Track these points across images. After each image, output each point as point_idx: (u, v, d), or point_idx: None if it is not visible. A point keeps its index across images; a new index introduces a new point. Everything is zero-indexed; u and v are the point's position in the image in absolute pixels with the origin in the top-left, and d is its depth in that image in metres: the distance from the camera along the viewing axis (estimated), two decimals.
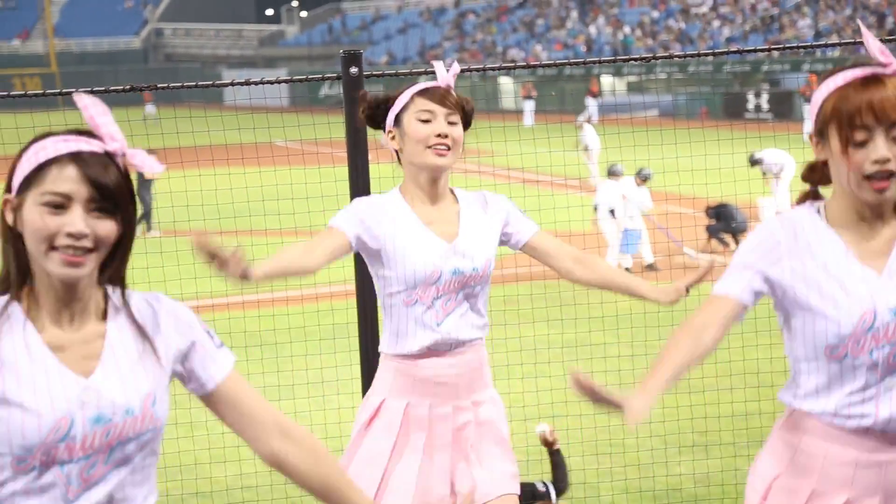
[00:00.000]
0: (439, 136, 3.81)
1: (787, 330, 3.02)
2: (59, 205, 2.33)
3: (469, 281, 3.88)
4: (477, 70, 5.74)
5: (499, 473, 3.95)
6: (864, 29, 2.91)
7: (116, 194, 2.37)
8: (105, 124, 2.41)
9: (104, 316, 2.48)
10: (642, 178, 15.68)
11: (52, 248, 2.34)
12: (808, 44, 5.92)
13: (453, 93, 3.91)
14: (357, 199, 4.01)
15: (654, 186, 15.99)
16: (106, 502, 2.43)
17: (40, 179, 2.35)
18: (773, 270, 2.92)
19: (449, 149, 3.83)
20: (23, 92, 5.34)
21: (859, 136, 2.74)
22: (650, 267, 15.29)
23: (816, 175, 2.96)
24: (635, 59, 5.78)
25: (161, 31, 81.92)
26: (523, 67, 5.67)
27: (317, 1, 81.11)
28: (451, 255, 3.86)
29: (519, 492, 4.04)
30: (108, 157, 2.39)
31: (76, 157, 2.35)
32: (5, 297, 2.44)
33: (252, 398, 2.65)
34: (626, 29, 56.00)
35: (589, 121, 25.76)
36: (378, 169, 5.36)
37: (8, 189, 2.41)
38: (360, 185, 4.96)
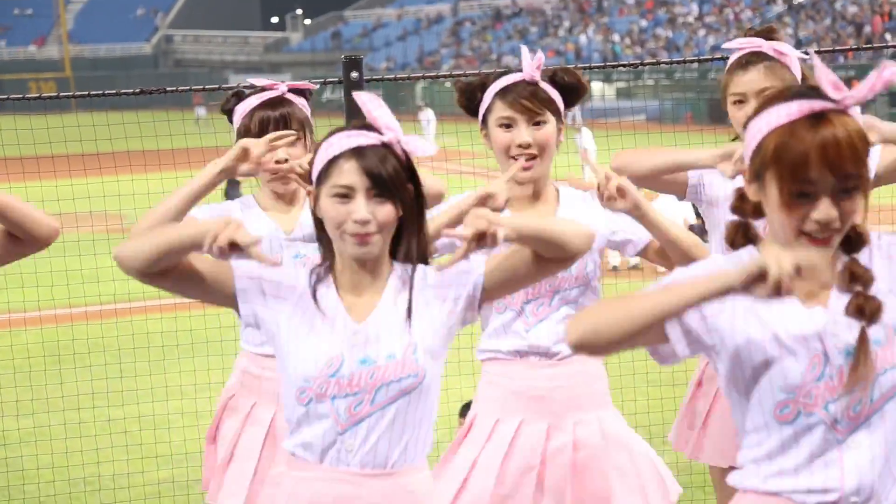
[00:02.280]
0: (521, 146, 3.33)
1: (729, 394, 2.46)
2: (345, 195, 2.60)
3: (562, 284, 3.34)
4: (473, 75, 5.72)
5: None
6: (817, 61, 2.32)
7: (391, 182, 2.60)
8: (381, 116, 2.64)
9: (387, 282, 2.72)
10: None
11: (344, 231, 2.61)
12: None
13: (540, 83, 3.35)
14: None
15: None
16: (368, 440, 2.66)
17: (329, 174, 2.63)
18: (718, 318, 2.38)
19: (536, 156, 3.34)
20: (38, 95, 5.32)
21: (804, 188, 2.23)
22: (635, 267, 15.29)
23: (749, 206, 2.38)
24: (624, 66, 5.78)
25: (171, 37, 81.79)
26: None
27: (320, 9, 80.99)
28: None
29: None
30: (386, 147, 2.63)
31: (356, 152, 2.61)
32: (325, 263, 2.75)
33: (503, 260, 2.76)
34: (616, 37, 55.97)
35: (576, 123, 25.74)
36: None
37: (309, 182, 2.74)
38: None
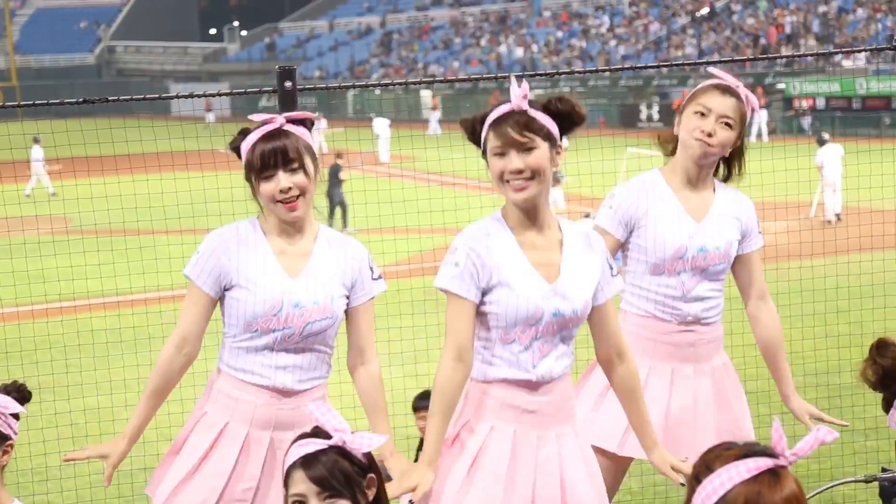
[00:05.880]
0: (513, 171, 3.28)
1: None
2: (301, 502, 2.65)
3: (568, 323, 3.39)
4: (400, 84, 5.71)
5: None
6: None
7: (338, 483, 2.65)
8: (329, 421, 2.71)
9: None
10: (555, 179, 16.01)
11: None
12: (693, 61, 5.97)
13: (529, 111, 3.30)
14: (465, 235, 3.40)
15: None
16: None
17: (287, 483, 2.69)
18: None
19: (530, 179, 3.29)
20: None
21: None
22: None
23: None
24: (541, 74, 5.80)
25: (113, 48, 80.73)
26: (442, 82, 5.67)
27: (255, 20, 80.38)
28: (552, 295, 3.35)
29: None
30: (335, 448, 2.68)
31: (304, 462, 2.67)
32: None
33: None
34: (534, 47, 56.22)
35: None
36: None
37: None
38: None
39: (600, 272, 3.45)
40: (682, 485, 3.66)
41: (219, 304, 3.63)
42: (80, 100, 5.28)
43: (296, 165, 3.51)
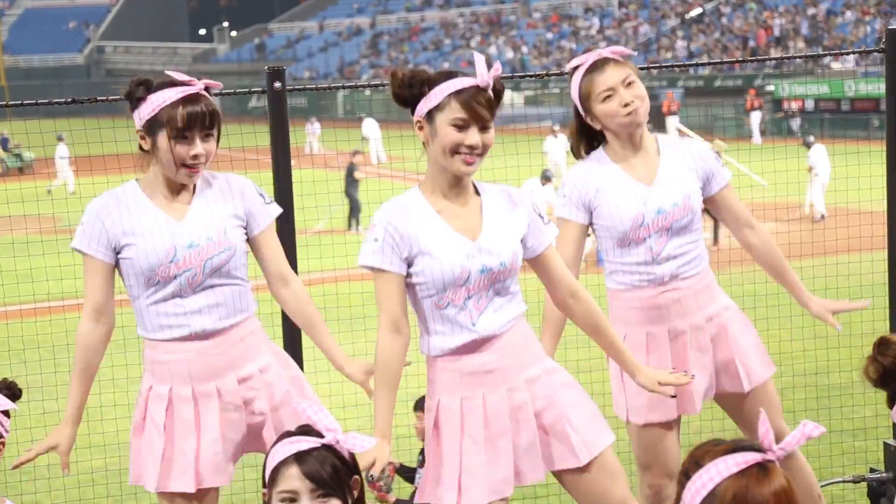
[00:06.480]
0: (470, 146, 3.36)
1: None
2: (292, 500, 2.66)
3: (499, 276, 3.43)
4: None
5: (583, 436, 3.51)
6: None
7: (331, 481, 2.67)
8: (321, 420, 2.72)
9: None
10: (546, 178, 16.29)
11: None
12: (682, 63, 5.98)
13: (489, 92, 3.39)
14: (383, 210, 3.48)
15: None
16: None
17: (276, 480, 2.68)
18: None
19: (480, 154, 3.39)
20: None
21: None
22: None
23: None
24: (531, 76, 5.81)
25: (102, 48, 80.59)
26: None
27: (245, 21, 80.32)
28: (476, 252, 3.41)
29: (611, 440, 3.58)
30: (327, 447, 2.70)
31: (297, 458, 2.67)
32: None
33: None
34: (524, 49, 56.26)
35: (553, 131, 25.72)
36: (300, 174, 5.32)
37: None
38: (282, 189, 4.93)
39: (527, 224, 3.52)
40: (673, 396, 3.74)
41: (118, 273, 3.62)
42: (69, 100, 5.27)
43: (211, 132, 3.54)
